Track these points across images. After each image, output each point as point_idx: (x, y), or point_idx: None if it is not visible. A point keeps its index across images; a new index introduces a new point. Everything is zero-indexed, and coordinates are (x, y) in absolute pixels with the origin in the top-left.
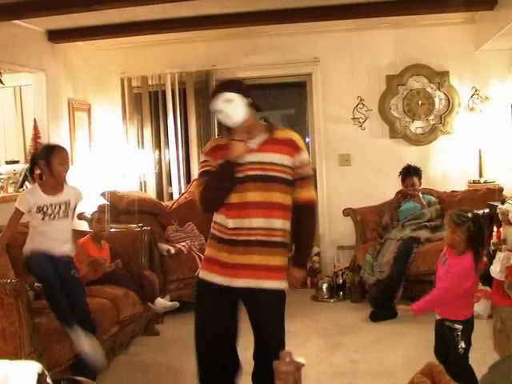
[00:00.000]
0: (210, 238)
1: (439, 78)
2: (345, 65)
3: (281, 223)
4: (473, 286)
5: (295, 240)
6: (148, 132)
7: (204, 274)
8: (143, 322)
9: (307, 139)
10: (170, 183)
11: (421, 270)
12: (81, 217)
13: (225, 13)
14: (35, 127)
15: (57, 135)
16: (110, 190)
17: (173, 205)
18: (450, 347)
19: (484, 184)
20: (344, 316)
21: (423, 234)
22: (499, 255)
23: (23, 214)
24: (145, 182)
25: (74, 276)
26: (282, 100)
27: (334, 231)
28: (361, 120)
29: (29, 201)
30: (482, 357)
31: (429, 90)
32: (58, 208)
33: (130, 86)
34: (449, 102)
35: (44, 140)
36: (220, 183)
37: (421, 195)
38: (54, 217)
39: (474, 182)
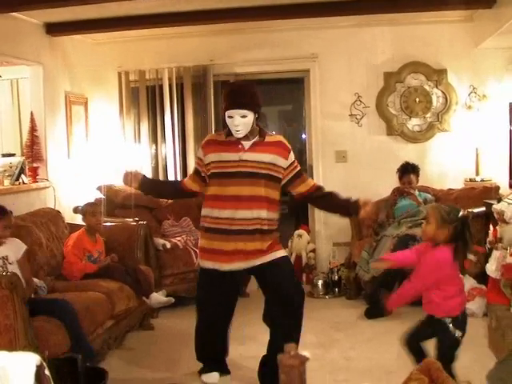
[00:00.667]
0: (202, 231)
1: (437, 75)
2: (343, 61)
3: (265, 213)
4: (449, 279)
5: (336, 206)
6: (145, 126)
7: (204, 263)
8: (138, 317)
9: (303, 136)
10: (166, 177)
11: None
12: (76, 210)
13: (223, 8)
14: (32, 120)
15: (53, 128)
16: (107, 184)
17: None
18: (440, 339)
19: (480, 182)
20: (339, 313)
21: (419, 231)
22: (495, 254)
23: None
24: None
25: None
26: (280, 96)
27: (330, 228)
28: (358, 117)
29: None
30: (476, 355)
31: (426, 87)
32: None
33: (127, 80)
34: (446, 100)
35: (40, 133)
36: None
37: (417, 193)
38: None
39: (470, 180)
